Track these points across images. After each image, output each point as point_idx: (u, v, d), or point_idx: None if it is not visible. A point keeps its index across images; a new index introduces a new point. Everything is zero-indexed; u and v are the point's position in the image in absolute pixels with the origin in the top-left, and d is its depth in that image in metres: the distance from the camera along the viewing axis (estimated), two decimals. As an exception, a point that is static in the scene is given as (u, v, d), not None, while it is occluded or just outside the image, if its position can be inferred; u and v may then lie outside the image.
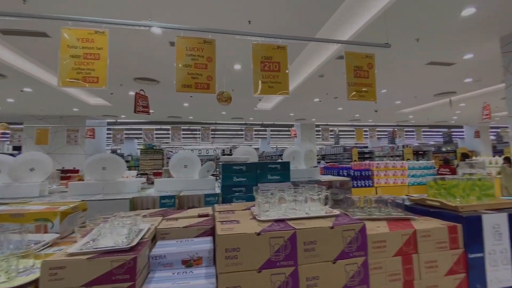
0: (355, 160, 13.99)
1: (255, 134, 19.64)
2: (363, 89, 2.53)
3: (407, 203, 1.60)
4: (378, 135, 17.99)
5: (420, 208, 1.47)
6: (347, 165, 8.80)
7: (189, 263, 1.13)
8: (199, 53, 2.21)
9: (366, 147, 17.47)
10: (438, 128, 15.70)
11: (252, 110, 10.24)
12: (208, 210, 1.64)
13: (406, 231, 1.15)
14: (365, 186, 7.13)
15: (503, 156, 6.51)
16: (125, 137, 17.87)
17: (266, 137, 17.65)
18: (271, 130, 16.52)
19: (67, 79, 2.01)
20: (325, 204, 1.33)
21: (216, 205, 1.60)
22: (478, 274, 1.19)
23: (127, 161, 15.38)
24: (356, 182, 7.28)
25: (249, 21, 3.92)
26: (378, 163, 7.55)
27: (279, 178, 2.49)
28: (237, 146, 19.53)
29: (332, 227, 1.05)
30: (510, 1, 3.55)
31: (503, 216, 1.25)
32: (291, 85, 7.40)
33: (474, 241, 1.20)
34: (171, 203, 2.10)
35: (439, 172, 7.08)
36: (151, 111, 10.11)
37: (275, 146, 22.87)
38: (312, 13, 3.76)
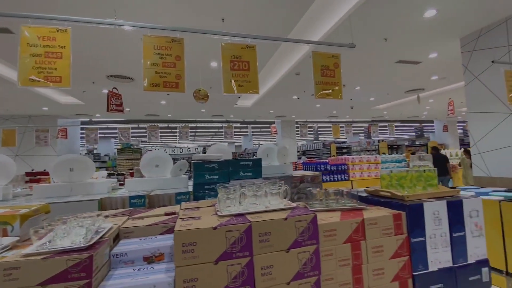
0: (333, 155, 14.41)
1: (237, 132, 19.65)
2: (330, 87, 2.64)
3: (364, 194, 1.72)
4: (355, 130, 18.63)
5: (373, 199, 1.59)
6: (325, 160, 9.07)
7: (150, 259, 1.17)
8: (167, 52, 2.21)
9: (345, 142, 18.03)
10: (411, 123, 16.49)
11: (232, 107, 10.24)
12: (176, 208, 1.67)
13: (355, 220, 1.25)
14: (341, 180, 7.39)
15: (462, 149, 7.00)
16: (102, 137, 17.24)
17: (247, 134, 17.70)
18: (252, 127, 16.59)
19: (28, 79, 1.94)
20: (285, 198, 1.41)
21: (183, 203, 1.63)
22: (420, 256, 1.32)
23: (103, 162, 14.85)
24: (333, 176, 7.53)
25: (223, 19, 3.93)
26: (353, 158, 7.86)
27: (251, 174, 2.56)
28: (219, 143, 19.46)
29: (285, 219, 1.13)
30: (468, 5, 3.82)
31: (443, 204, 1.38)
32: (269, 82, 7.48)
33: (416, 226, 1.33)
34: (141, 203, 2.10)
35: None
36: (126, 109, 9.83)
37: (257, 143, 23.01)
38: (285, 11, 3.84)
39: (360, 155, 9.48)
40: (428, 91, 8.92)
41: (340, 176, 7.47)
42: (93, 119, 12.10)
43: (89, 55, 5.10)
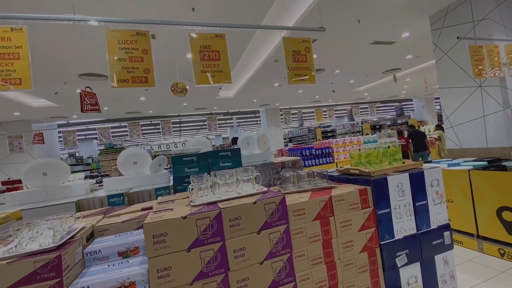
0: (319, 140, 14.67)
1: (223, 123, 19.51)
2: (303, 72, 2.67)
3: (336, 174, 1.79)
4: (339, 114, 18.95)
5: (343, 177, 1.66)
6: (310, 145, 9.22)
7: (125, 254, 1.18)
8: (133, 46, 2.15)
9: (329, 126, 18.33)
10: (392, 102, 16.92)
11: (214, 99, 10.12)
12: (152, 203, 1.68)
13: (323, 198, 1.31)
14: (327, 163, 7.56)
15: (430, 125, 7.29)
16: (82, 139, 16.69)
17: (233, 125, 17.63)
18: (237, 118, 16.52)
19: (-15, 83, 1.85)
20: (257, 183, 1.45)
21: (160, 197, 1.64)
22: (386, 226, 1.41)
23: (87, 164, 14.44)
24: (318, 160, 7.68)
25: (193, 8, 3.83)
26: (337, 141, 8.03)
27: (231, 164, 2.58)
28: (206, 136, 19.25)
29: (255, 203, 1.17)
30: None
31: (405, 176, 1.47)
32: (249, 71, 7.43)
33: (382, 199, 1.41)
34: (120, 201, 2.09)
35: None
36: (104, 108, 9.52)
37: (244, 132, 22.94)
38: (256, -2, 3.78)
39: (344, 137, 9.70)
40: (404, 70, 9.14)
41: (325, 159, 7.63)
42: (70, 121, 11.66)
43: (57, 54, 4.86)
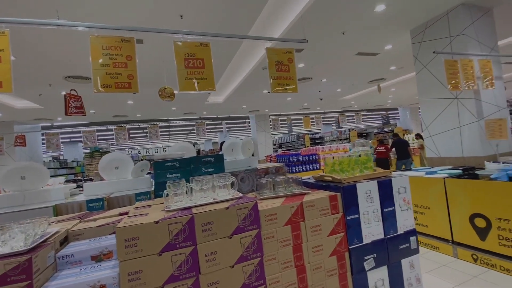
0: (307, 146, 14.86)
1: (213, 128, 19.49)
2: (286, 82, 2.76)
3: (311, 180, 1.86)
4: (328, 121, 19.29)
5: (318, 184, 1.73)
6: (298, 152, 9.35)
7: (99, 258, 1.20)
8: (117, 52, 2.18)
9: (318, 133, 18.60)
10: (378, 111, 17.38)
11: (203, 104, 10.14)
12: (130, 208, 1.70)
13: (294, 203, 1.38)
14: (313, 169, 7.67)
15: (414, 133, 7.55)
16: (67, 142, 16.28)
17: (223, 131, 17.64)
18: (227, 123, 16.55)
19: (-36, 85, 1.84)
20: (233, 188, 1.50)
21: (138, 202, 1.66)
22: (355, 232, 1.48)
23: (71, 168, 14.08)
24: (305, 166, 7.79)
25: (181, 16, 3.89)
26: (323, 147, 8.18)
27: (214, 170, 2.62)
28: (194, 142, 19.12)
29: (227, 208, 1.22)
30: (415, 0, 4.11)
31: (374, 183, 1.55)
32: (238, 78, 7.52)
33: (351, 205, 1.48)
34: (100, 206, 2.09)
35: (376, 150, 7.97)
36: (91, 111, 9.38)
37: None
38: (243, 8, 3.88)
39: (331, 144, 9.89)
40: (389, 81, 9.46)
41: (312, 165, 7.74)
42: (55, 123, 11.40)
43: (42, 56, 4.81)
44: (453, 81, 3.90)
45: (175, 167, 2.46)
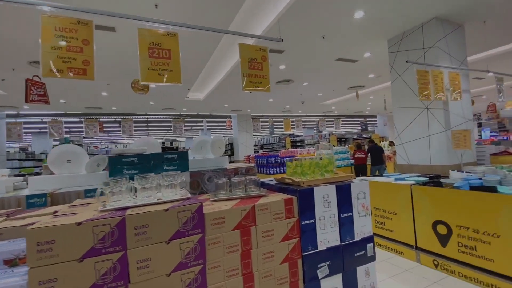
0: (288, 148, 14.92)
1: (194, 126, 19.11)
2: (258, 80, 2.68)
3: (273, 182, 1.79)
4: (309, 125, 19.55)
5: (277, 186, 1.66)
6: (277, 153, 9.32)
7: (13, 262, 1.05)
8: (72, 34, 2.00)
9: (299, 136, 18.79)
10: (357, 117, 17.85)
11: (183, 100, 9.87)
12: (65, 206, 1.53)
13: (246, 206, 1.28)
14: (290, 172, 7.64)
15: (388, 140, 7.77)
16: (38, 132, 15.25)
17: (203, 129, 17.35)
18: (208, 121, 16.28)
19: None
20: (181, 188, 1.38)
21: (78, 200, 1.50)
22: (310, 237, 1.41)
23: (39, 160, 13.19)
24: (283, 168, 7.77)
25: (156, 5, 3.71)
26: (301, 150, 8.21)
27: (177, 168, 2.47)
28: (173, 139, 18.65)
29: (166, 210, 1.10)
30: (391, 10, 4.19)
31: (332, 188, 1.50)
32: (219, 74, 7.36)
33: (306, 209, 1.42)
34: (42, 203, 1.89)
35: (355, 156, 8.11)
36: (61, 101, 8.83)
37: (215, 138, 22.65)
38: (221, 3, 3.77)
39: (311, 147, 9.96)
40: (368, 88, 9.70)
41: (288, 168, 7.71)
42: (22, 112, 10.64)
43: (4, 38, 4.42)
44: (424, 91, 4.01)
45: (133, 163, 2.29)
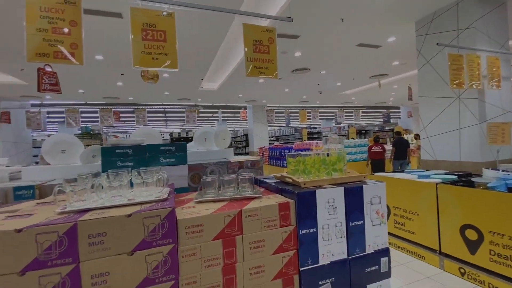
0: (304, 140, 14.53)
1: (210, 117, 19.11)
2: (263, 65, 2.42)
3: (274, 181, 1.56)
4: (327, 116, 18.87)
5: (276, 186, 1.43)
6: (291, 145, 9.04)
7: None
8: (59, 15, 1.84)
9: (316, 128, 18.25)
10: (379, 109, 16.94)
11: (197, 90, 9.76)
12: (32, 202, 1.39)
13: (230, 212, 1.07)
14: (305, 165, 7.36)
15: (413, 134, 7.21)
16: (63, 121, 15.94)
17: (218, 120, 17.31)
18: (223, 112, 16.17)
19: None
20: (161, 186, 1.19)
21: (50, 197, 1.36)
22: (309, 249, 1.18)
23: (63, 148, 13.78)
24: (297, 161, 7.49)
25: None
26: (317, 142, 7.85)
27: (174, 161, 2.31)
28: (189, 129, 18.80)
29: (129, 215, 0.91)
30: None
31: (339, 191, 1.24)
32: (233, 63, 7.12)
33: (306, 216, 1.18)
34: (30, 195, 1.79)
35: (371, 150, 7.64)
36: (80, 90, 9.02)
37: (232, 129, 22.65)
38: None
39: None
40: (391, 77, 9.02)
41: (303, 160, 7.44)
42: (45, 102, 11.07)
43: (20, 28, 4.44)
44: (456, 78, 3.54)
45: (128, 155, 2.15)
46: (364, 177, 1.40)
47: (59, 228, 0.84)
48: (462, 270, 2.79)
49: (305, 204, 1.17)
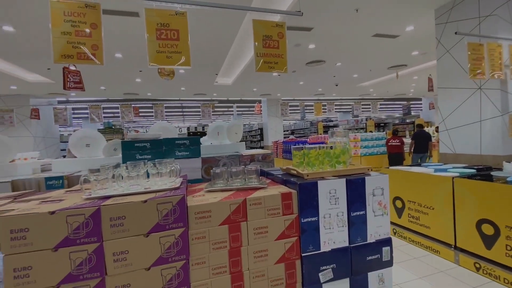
0: (320, 134, 14.38)
1: (226, 111, 19.32)
2: (273, 60, 2.46)
3: (280, 172, 1.63)
4: (344, 109, 18.47)
5: (281, 177, 1.50)
6: (306, 139, 9.01)
7: None
8: (81, 19, 1.99)
9: (332, 121, 17.94)
10: (399, 101, 16.35)
11: (212, 85, 9.91)
12: (61, 191, 1.55)
13: (236, 200, 1.16)
14: (319, 158, 7.33)
15: (434, 126, 6.93)
16: (87, 117, 16.80)
17: (233, 114, 17.46)
18: (238, 107, 16.29)
19: None
20: (175, 176, 1.30)
21: (77, 186, 1.52)
22: (311, 237, 1.25)
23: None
24: (311, 155, 7.48)
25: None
26: (332, 136, 7.77)
27: (188, 154, 2.44)
28: (206, 124, 19.13)
29: (145, 201, 1.03)
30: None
31: (341, 182, 1.29)
32: (246, 58, 7.16)
33: (308, 206, 1.24)
34: (59, 185, 1.99)
35: (389, 144, 7.45)
36: (102, 87, 9.46)
37: (247, 122, 22.78)
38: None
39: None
40: (411, 68, 8.69)
41: (317, 154, 7.41)
42: (71, 99, 11.70)
43: (46, 28, 4.74)
44: (477, 68, 3.39)
45: (145, 149, 2.30)
46: (368, 170, 1.43)
47: (86, 211, 0.96)
48: (477, 265, 2.75)
49: (307, 194, 1.24)
